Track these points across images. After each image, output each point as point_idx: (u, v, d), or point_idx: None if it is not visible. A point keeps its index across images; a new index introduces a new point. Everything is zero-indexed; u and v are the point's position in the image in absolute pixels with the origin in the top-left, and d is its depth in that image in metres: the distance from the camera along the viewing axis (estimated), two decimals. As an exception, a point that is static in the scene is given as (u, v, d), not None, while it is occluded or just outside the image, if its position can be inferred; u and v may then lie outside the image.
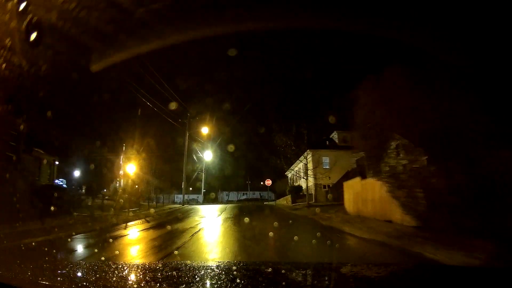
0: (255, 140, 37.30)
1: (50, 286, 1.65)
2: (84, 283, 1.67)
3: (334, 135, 31.31)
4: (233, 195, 63.30)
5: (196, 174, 40.24)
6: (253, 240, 8.62)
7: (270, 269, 2.06)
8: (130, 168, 30.19)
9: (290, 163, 28.76)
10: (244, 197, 62.40)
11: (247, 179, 62.92)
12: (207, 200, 47.25)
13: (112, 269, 2.14)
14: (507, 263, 5.04)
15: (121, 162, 28.83)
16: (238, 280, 1.74)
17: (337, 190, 27.57)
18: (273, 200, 47.67)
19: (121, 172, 28.62)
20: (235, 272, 2.01)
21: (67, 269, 2.21)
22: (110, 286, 1.70)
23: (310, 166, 25.99)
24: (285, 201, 30.52)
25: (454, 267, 3.66)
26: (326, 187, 27.97)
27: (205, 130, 30.46)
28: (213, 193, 51.11)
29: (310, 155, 26.63)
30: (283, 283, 1.79)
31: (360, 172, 27.34)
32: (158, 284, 1.76)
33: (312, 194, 27.01)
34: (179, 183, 33.82)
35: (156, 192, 34.71)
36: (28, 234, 8.41)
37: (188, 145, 32.53)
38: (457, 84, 7.61)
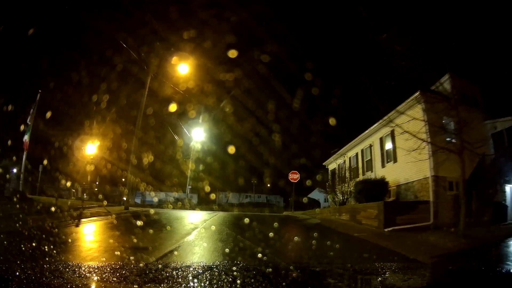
0: (256, 140, 25.91)
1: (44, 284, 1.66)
2: None
3: (445, 83, 15.80)
4: (234, 197, 51.00)
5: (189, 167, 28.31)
6: None
7: None
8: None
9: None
10: (247, 200, 52.39)
11: (251, 179, 51.13)
12: (204, 202, 36.93)
13: None
14: None
15: (28, 122, 14.77)
16: None
17: (478, 192, 12.51)
18: (283, 207, 35.03)
19: (25, 138, 14.57)
20: None
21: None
22: None
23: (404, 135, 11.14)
24: (345, 215, 15.29)
25: None
26: (453, 187, 12.99)
27: (183, 68, 16.57)
28: (213, 194, 38.73)
29: (420, 107, 11.94)
30: None
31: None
32: None
33: (429, 201, 12.18)
34: (182, 183, 27.50)
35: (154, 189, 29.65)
36: None
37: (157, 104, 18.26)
38: None
